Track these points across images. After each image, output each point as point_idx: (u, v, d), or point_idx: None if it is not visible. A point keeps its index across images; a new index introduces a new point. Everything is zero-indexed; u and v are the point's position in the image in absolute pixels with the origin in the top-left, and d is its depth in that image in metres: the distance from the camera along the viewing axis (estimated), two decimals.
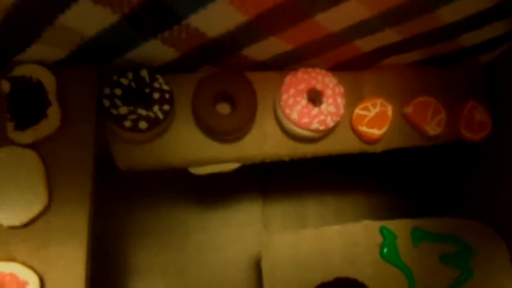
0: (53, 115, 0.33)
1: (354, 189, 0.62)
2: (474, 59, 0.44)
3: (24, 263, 0.31)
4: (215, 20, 0.30)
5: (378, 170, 0.61)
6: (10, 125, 0.32)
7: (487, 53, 0.44)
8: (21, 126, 0.32)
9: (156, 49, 0.33)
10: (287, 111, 0.37)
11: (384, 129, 0.40)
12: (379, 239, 0.41)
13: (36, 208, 0.31)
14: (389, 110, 0.41)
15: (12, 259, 0.31)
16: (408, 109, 0.41)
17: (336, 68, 0.40)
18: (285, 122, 0.37)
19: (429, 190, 0.60)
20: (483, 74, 0.45)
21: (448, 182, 0.56)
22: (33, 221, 0.31)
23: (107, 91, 0.34)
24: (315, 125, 0.37)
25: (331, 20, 0.32)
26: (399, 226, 0.42)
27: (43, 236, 0.31)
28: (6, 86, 0.32)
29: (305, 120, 0.37)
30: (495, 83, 0.45)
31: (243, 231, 0.57)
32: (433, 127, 0.42)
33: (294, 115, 0.37)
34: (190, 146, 0.37)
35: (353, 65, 0.41)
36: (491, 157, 0.47)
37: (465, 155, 0.51)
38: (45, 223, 0.32)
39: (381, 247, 0.41)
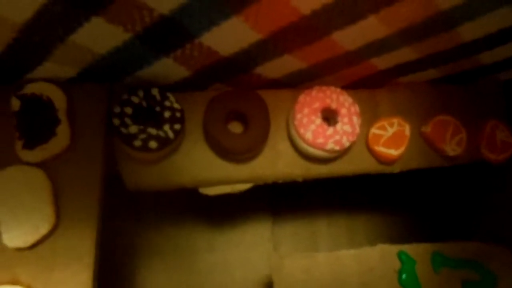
0: (63, 133, 0.32)
1: (367, 209, 0.60)
2: (494, 77, 0.42)
3: (28, 287, 0.30)
4: (229, 39, 0.30)
5: (391, 190, 0.59)
6: (18, 144, 0.31)
7: (508, 71, 0.42)
8: (30, 144, 0.32)
9: (168, 68, 0.32)
10: (301, 130, 0.36)
11: (401, 149, 0.39)
12: (397, 264, 0.40)
13: (42, 229, 0.30)
14: (407, 130, 0.39)
15: (16, 282, 0.30)
16: (427, 128, 0.40)
17: (350, 86, 0.39)
18: (299, 142, 0.36)
19: (445, 212, 0.58)
20: (503, 92, 0.44)
21: (466, 204, 0.54)
22: (39, 242, 0.30)
23: (117, 109, 0.33)
24: (330, 145, 0.36)
25: (348, 38, 0.31)
26: (418, 251, 0.40)
27: (49, 259, 0.30)
28: (16, 104, 0.32)
29: (320, 140, 0.36)
30: None
31: (252, 252, 0.55)
32: (453, 147, 0.40)
33: (309, 135, 0.35)
34: (201, 166, 0.36)
35: (368, 83, 0.40)
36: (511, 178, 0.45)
37: (483, 175, 0.49)
38: (51, 245, 0.31)
39: (400, 273, 0.39)
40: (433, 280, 0.39)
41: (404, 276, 0.39)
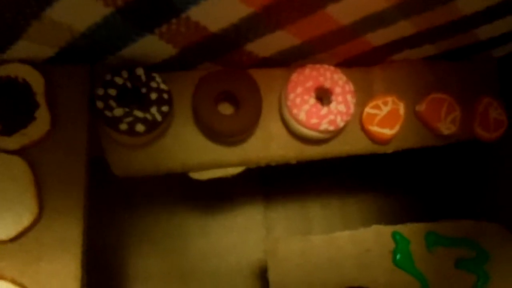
0: (42, 118, 0.30)
1: (360, 190, 0.60)
2: (489, 53, 0.42)
3: (13, 281, 0.28)
4: (218, 13, 0.28)
5: (384, 170, 0.59)
6: None
7: (501, 47, 0.42)
8: (8, 130, 0.30)
9: (153, 45, 0.30)
10: (295, 111, 0.34)
11: (396, 129, 0.38)
12: (391, 245, 0.39)
13: (25, 220, 0.29)
14: (401, 109, 0.38)
15: (0, 276, 0.28)
16: (421, 107, 0.39)
17: (344, 64, 0.38)
18: (292, 123, 0.35)
19: (438, 192, 0.58)
20: (497, 69, 0.43)
21: (459, 182, 0.54)
22: (22, 234, 0.29)
23: (100, 91, 0.31)
24: (324, 126, 0.35)
25: (344, 12, 0.29)
26: (412, 231, 0.40)
27: (34, 251, 0.29)
28: None
29: (314, 120, 0.34)
30: (509, 78, 0.43)
31: (245, 237, 0.54)
32: (447, 126, 0.39)
33: (302, 116, 0.34)
34: (191, 150, 0.35)
35: (362, 61, 0.38)
36: (506, 156, 0.45)
37: (476, 153, 0.49)
38: (35, 236, 0.29)
39: (394, 254, 0.39)
40: (427, 259, 0.39)
41: (398, 256, 0.39)
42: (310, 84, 0.35)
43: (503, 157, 0.45)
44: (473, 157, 0.50)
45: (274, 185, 0.57)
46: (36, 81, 0.30)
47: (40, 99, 0.30)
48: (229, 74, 0.34)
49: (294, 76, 0.35)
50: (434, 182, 0.59)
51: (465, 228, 0.41)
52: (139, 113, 0.31)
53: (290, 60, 0.36)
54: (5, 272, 0.28)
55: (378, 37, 0.34)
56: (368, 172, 0.59)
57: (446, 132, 0.39)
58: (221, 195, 0.55)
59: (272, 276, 0.37)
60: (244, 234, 0.54)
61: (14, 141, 0.29)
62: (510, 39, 0.40)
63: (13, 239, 0.29)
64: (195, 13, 0.27)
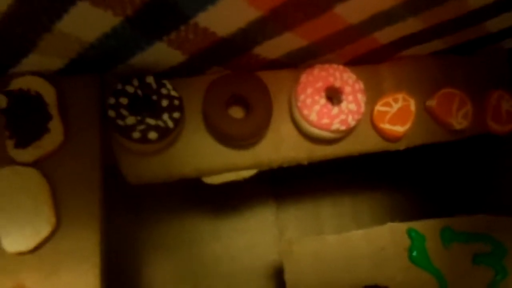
0: (56, 129, 0.30)
1: (371, 188, 0.60)
2: (498, 46, 0.41)
3: None
4: (226, 18, 0.28)
5: (395, 167, 0.58)
6: (10, 143, 0.30)
7: (510, 39, 0.41)
8: (22, 143, 0.30)
9: (162, 53, 0.30)
10: (305, 112, 0.34)
11: (407, 125, 0.38)
12: (407, 242, 0.39)
13: (43, 231, 0.29)
14: (412, 105, 0.38)
15: (22, 287, 0.29)
16: (432, 102, 0.39)
17: (352, 63, 0.38)
18: (303, 123, 0.35)
19: (449, 187, 0.58)
20: (508, 61, 0.43)
21: (470, 177, 0.54)
22: (41, 245, 0.29)
23: (111, 100, 0.31)
24: (336, 126, 0.34)
25: (352, 11, 0.29)
26: (427, 227, 0.40)
27: (53, 262, 0.29)
28: (3, 101, 0.30)
29: (325, 120, 0.34)
30: None
31: (258, 238, 0.54)
32: (459, 121, 0.39)
33: (313, 116, 0.34)
34: (203, 155, 0.35)
35: (370, 58, 0.38)
36: None
37: (488, 147, 0.49)
38: (53, 247, 0.29)
39: (410, 251, 0.39)
40: (444, 255, 0.39)
41: (414, 253, 0.38)
42: (320, 84, 0.35)
43: None
44: (483, 151, 0.50)
45: (285, 185, 0.57)
46: (48, 92, 0.31)
47: (53, 110, 0.30)
48: (238, 78, 0.34)
49: (304, 77, 0.35)
50: (444, 177, 0.59)
51: (481, 223, 0.41)
52: (151, 121, 0.31)
53: (298, 61, 0.36)
54: (26, 283, 0.29)
55: (386, 35, 0.34)
56: (378, 169, 0.59)
57: (458, 127, 0.39)
58: (232, 198, 0.55)
59: (288, 277, 0.37)
60: (256, 236, 0.54)
61: (29, 154, 0.30)
62: None
63: (32, 251, 0.29)
64: (203, 19, 0.27)
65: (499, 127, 0.41)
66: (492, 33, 0.38)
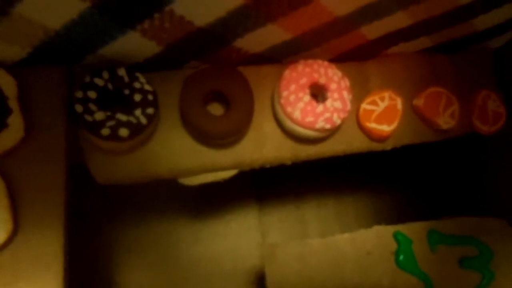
0: (16, 124, 0.28)
1: (355, 189, 0.59)
2: (485, 45, 0.41)
3: None
4: (204, 6, 0.26)
5: (380, 168, 0.58)
6: None
7: (497, 38, 0.40)
8: None
9: (135, 43, 0.28)
10: (289, 109, 0.33)
11: (394, 125, 0.37)
12: (393, 245, 0.38)
13: (0, 236, 0.26)
14: (399, 104, 0.37)
15: None
16: (419, 101, 0.38)
17: (337, 59, 0.36)
18: (287, 122, 0.33)
19: (435, 188, 0.57)
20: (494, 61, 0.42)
21: (456, 178, 0.53)
22: None
23: (79, 94, 0.29)
24: (320, 124, 0.33)
25: (339, 2, 0.27)
26: (414, 230, 0.39)
27: (10, 270, 0.26)
28: None
29: (309, 118, 0.33)
30: (505, 69, 0.42)
31: (239, 242, 0.53)
32: (446, 120, 0.38)
33: (297, 114, 0.32)
34: (179, 154, 0.32)
35: (357, 55, 0.37)
36: (504, 149, 0.44)
37: (473, 147, 0.48)
38: (11, 254, 0.27)
39: (397, 254, 0.37)
40: (431, 259, 0.38)
41: (401, 257, 0.37)
42: (304, 81, 0.33)
43: (501, 150, 0.44)
44: (470, 152, 0.49)
45: (267, 187, 0.56)
46: (8, 84, 0.28)
47: (13, 104, 0.28)
48: (218, 72, 0.32)
49: (287, 73, 0.34)
50: (431, 178, 0.58)
51: (468, 225, 0.40)
52: (122, 117, 0.29)
53: (282, 56, 0.34)
54: None
55: (374, 30, 0.33)
56: (364, 170, 0.58)
57: (445, 126, 0.38)
58: (213, 199, 0.53)
59: (270, 282, 0.35)
60: (238, 239, 0.52)
61: None
62: (506, 29, 0.39)
63: None
64: (179, 6, 0.25)
65: (485, 127, 0.40)
66: (479, 32, 0.37)
